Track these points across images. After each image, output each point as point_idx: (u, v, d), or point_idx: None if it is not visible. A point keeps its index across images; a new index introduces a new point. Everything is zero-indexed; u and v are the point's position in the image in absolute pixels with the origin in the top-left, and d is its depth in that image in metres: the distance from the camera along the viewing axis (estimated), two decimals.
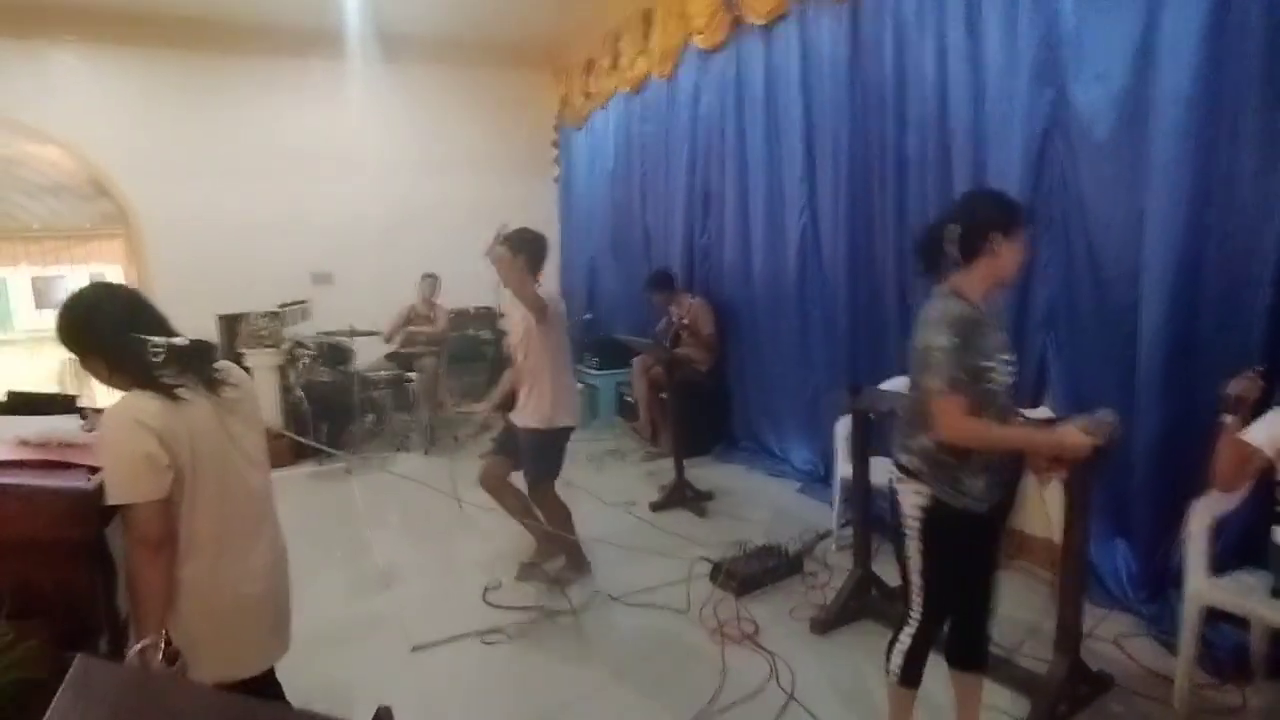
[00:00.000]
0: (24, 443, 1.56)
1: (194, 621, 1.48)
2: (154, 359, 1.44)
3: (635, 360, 5.59)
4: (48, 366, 7.12)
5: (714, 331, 5.24)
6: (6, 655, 1.36)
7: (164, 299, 5.71)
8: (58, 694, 0.82)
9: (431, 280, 6.37)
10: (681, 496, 4.36)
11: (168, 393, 1.44)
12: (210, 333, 6.56)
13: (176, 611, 1.45)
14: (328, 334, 6.19)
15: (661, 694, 2.56)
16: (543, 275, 3.37)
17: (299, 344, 5.98)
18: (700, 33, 5.23)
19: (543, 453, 3.30)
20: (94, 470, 1.47)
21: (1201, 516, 2.27)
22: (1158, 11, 2.60)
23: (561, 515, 3.39)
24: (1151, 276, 2.67)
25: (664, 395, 5.15)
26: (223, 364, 1.64)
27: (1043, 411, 2.66)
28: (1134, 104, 2.71)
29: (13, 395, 1.84)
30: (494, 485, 3.42)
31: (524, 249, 3.21)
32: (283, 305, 6.41)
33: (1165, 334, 2.65)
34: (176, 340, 1.49)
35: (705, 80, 5.38)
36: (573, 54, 7.39)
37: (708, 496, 4.40)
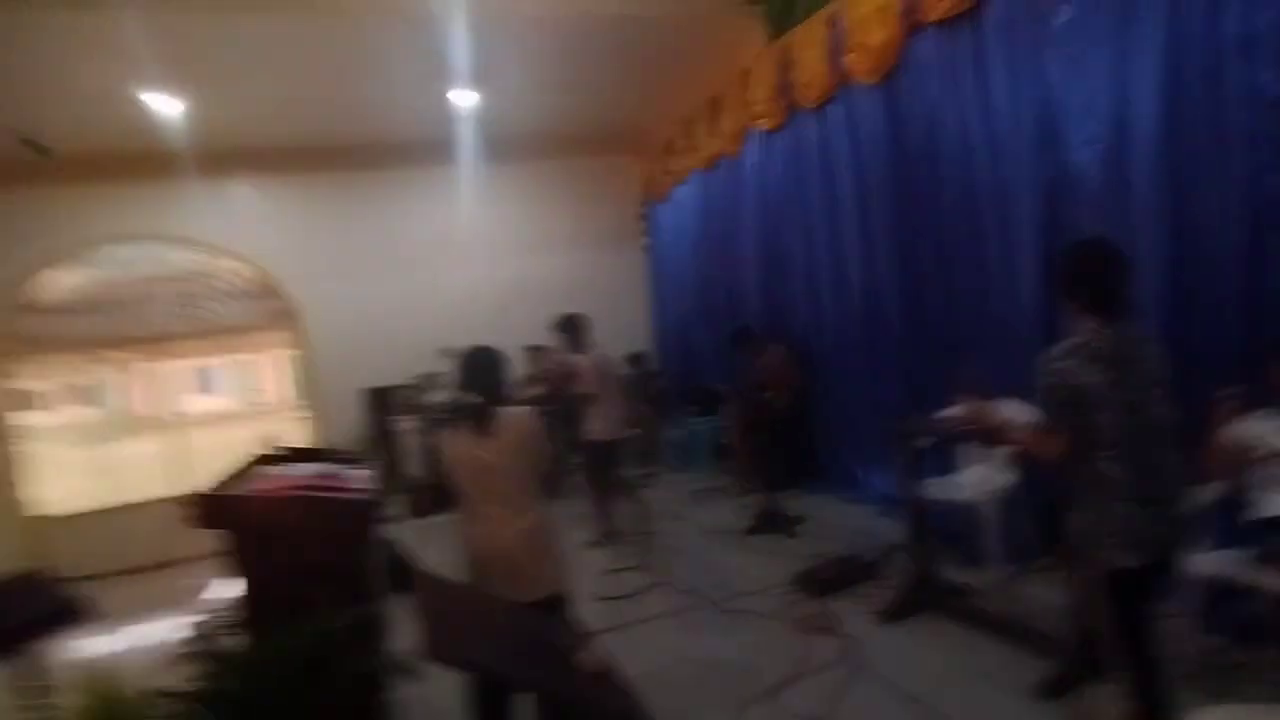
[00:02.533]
0: (316, 475, 2.42)
1: (465, 554, 2.52)
2: (460, 405, 2.56)
3: (726, 406, 6.25)
4: (225, 440, 8.43)
5: (798, 375, 5.83)
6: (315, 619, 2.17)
7: (324, 376, 6.99)
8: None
9: (535, 351, 7.29)
10: (773, 522, 4.95)
11: (454, 423, 2.53)
12: (361, 403, 7.76)
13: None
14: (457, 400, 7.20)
15: (756, 668, 3.17)
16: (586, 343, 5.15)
17: (436, 409, 6.99)
18: (762, 117, 6.02)
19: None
20: (362, 490, 2.30)
21: (1199, 503, 2.71)
22: (1125, 83, 3.17)
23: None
24: (1143, 307, 3.14)
25: (762, 436, 5.77)
26: (503, 413, 2.53)
27: None
28: (1117, 162, 3.24)
29: (289, 450, 2.77)
30: None
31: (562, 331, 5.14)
32: (419, 377, 7.51)
33: None
34: (469, 399, 2.52)
35: (770, 156, 6.14)
36: (654, 138, 8.36)
37: (796, 520, 4.98)
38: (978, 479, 3.95)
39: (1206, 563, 2.70)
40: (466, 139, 7.59)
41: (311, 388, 8.02)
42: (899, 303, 4.79)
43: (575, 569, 2.75)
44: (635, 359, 7.83)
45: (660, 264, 8.82)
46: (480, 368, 2.62)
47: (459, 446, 2.54)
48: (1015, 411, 3.61)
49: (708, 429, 7.07)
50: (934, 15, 4.12)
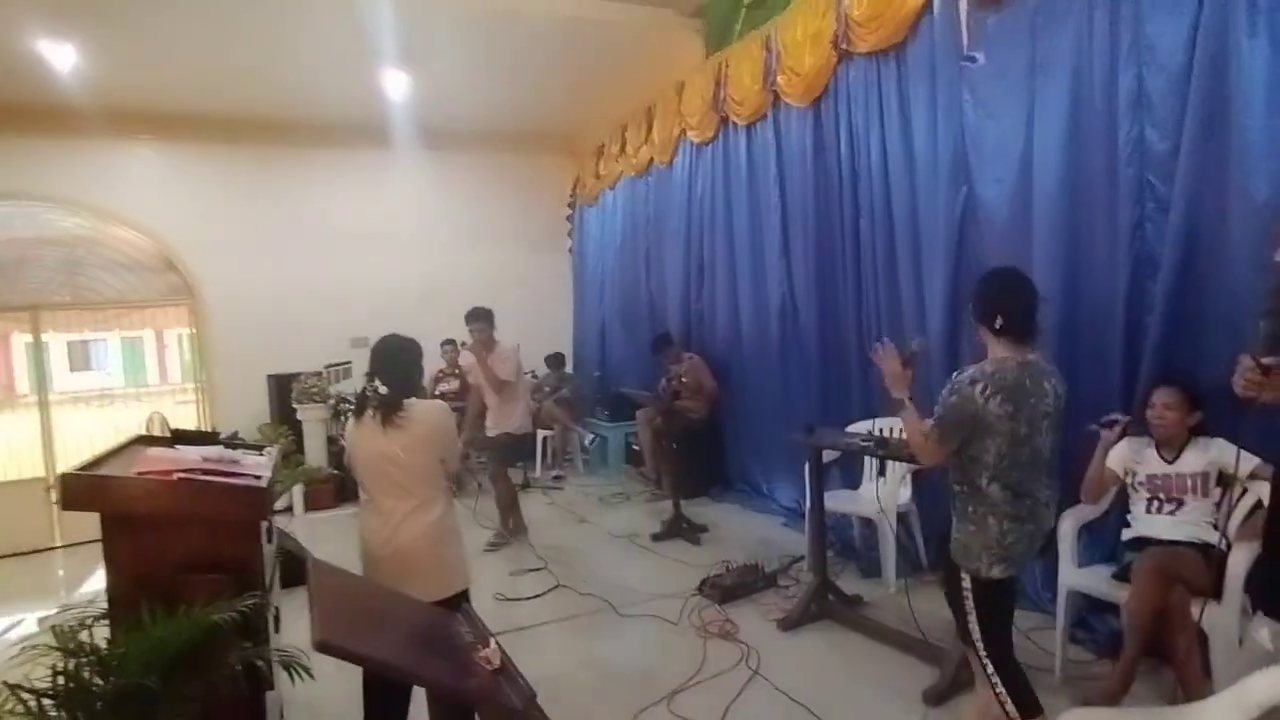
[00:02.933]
0: (206, 459, 2.28)
1: (364, 549, 2.47)
2: (368, 392, 2.44)
3: (640, 412, 6.28)
4: (108, 421, 7.84)
5: (715, 384, 5.92)
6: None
7: (223, 359, 6.61)
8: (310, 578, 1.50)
9: (450, 346, 7.08)
10: (679, 529, 5.00)
11: (359, 412, 2.46)
12: (261, 389, 7.40)
13: None
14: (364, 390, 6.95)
15: (653, 672, 3.18)
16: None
17: (343, 399, 6.73)
18: (694, 129, 6.11)
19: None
20: (257, 477, 2.18)
21: (1070, 522, 2.91)
22: (1030, 129, 3.38)
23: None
24: (1039, 338, 3.34)
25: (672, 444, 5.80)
26: (412, 406, 2.44)
27: None
28: (1020, 201, 3.45)
29: (176, 432, 2.58)
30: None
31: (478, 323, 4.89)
32: (328, 366, 7.22)
33: None
34: (380, 387, 2.42)
35: (698, 168, 6.23)
36: (586, 141, 8.35)
37: (702, 529, 5.04)
38: (878, 494, 4.10)
39: (1075, 578, 2.90)
40: (395, 123, 7.37)
41: (209, 370, 7.58)
42: (815, 320, 4.94)
43: (476, 568, 2.68)
44: (554, 360, 7.75)
45: (584, 267, 8.80)
46: (390, 358, 2.53)
47: (363, 438, 2.46)
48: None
49: (621, 434, 7.08)
50: (863, 47, 4.28)
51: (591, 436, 7.14)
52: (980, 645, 2.16)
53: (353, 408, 2.57)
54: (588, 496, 6.25)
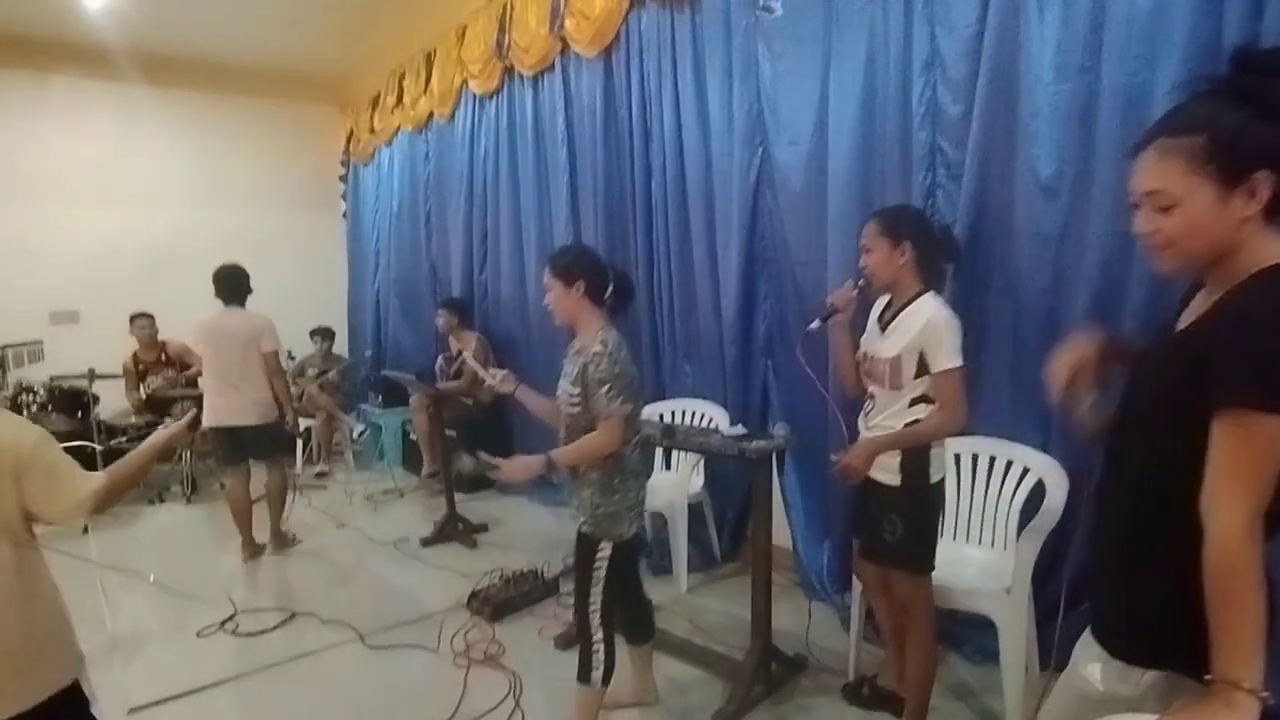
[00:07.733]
0: None
1: None
2: None
3: (413, 397, 5.53)
4: None
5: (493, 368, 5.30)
6: None
7: None
8: None
9: (146, 321, 5.63)
10: (454, 530, 4.37)
11: None
12: None
13: None
14: (62, 378, 5.55)
15: (398, 714, 2.57)
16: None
17: (25, 389, 5.32)
18: (476, 78, 5.41)
19: None
20: None
21: None
22: (826, 95, 3.13)
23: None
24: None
25: (449, 432, 5.13)
26: None
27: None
28: (815, 165, 3.20)
29: None
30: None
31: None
32: (6, 346, 5.69)
33: None
34: None
35: (482, 123, 5.54)
36: (360, 89, 7.31)
37: (480, 529, 4.45)
38: (668, 484, 3.76)
39: None
40: (108, 43, 5.92)
41: None
42: None
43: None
44: (322, 333, 6.67)
45: (359, 233, 7.78)
46: None
47: None
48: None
49: (398, 421, 6.27)
50: None
51: (362, 427, 6.25)
52: (597, 614, 2.19)
53: None
54: (354, 496, 5.40)
